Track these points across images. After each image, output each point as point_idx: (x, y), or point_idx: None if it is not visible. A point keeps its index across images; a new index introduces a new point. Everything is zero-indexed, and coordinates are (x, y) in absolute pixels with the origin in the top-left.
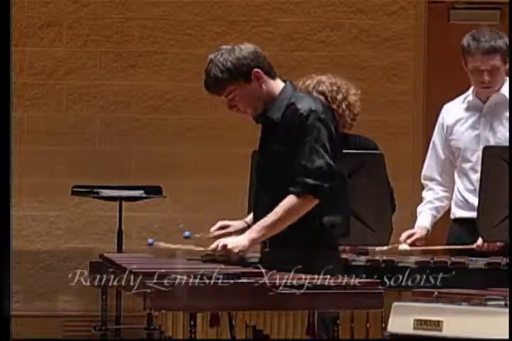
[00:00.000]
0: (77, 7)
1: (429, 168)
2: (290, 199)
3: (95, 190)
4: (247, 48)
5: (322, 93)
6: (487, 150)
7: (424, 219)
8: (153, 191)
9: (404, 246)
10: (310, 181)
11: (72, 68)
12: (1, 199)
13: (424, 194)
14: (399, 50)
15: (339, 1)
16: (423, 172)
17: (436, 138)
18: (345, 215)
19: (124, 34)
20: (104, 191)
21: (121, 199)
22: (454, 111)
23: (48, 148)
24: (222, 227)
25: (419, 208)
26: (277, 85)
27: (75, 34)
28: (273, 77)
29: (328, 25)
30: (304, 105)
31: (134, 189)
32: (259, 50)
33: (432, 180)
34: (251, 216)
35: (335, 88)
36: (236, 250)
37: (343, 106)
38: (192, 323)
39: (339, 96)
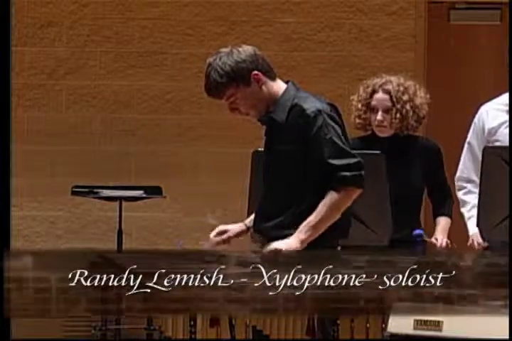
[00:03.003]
0: (77, 7)
1: (467, 169)
2: (331, 196)
3: (95, 190)
4: (245, 51)
5: (387, 92)
6: (487, 150)
7: None
8: (153, 191)
9: None
10: (348, 174)
11: (72, 68)
12: (1, 199)
13: (465, 197)
14: (399, 50)
15: (339, 1)
16: (459, 174)
17: (472, 139)
18: (345, 215)
19: (124, 34)
20: (104, 191)
21: (121, 199)
22: (496, 114)
23: (47, 148)
24: (220, 232)
25: (467, 213)
26: (278, 86)
27: (75, 34)
28: (273, 79)
29: (328, 25)
30: (310, 105)
31: (134, 189)
32: (258, 52)
33: (469, 181)
34: (251, 218)
35: (402, 88)
36: None
37: (408, 106)
38: (192, 323)
39: (405, 97)
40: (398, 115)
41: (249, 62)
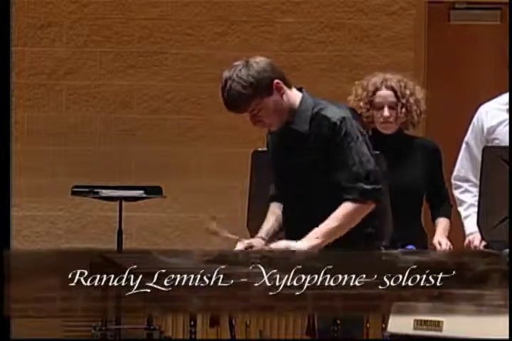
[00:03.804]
0: (77, 7)
1: (464, 168)
2: (347, 206)
3: (95, 190)
4: (261, 61)
5: (391, 88)
6: (487, 150)
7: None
8: (153, 191)
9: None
10: (367, 186)
11: (72, 68)
12: (1, 199)
13: (462, 196)
14: (399, 50)
15: (339, 1)
16: (455, 173)
17: (470, 139)
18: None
19: (124, 34)
20: (104, 191)
21: (121, 199)
22: (495, 113)
23: (47, 148)
24: (247, 248)
25: (464, 212)
26: (295, 95)
27: (75, 34)
28: (290, 87)
29: (328, 25)
30: (334, 114)
31: (134, 189)
32: (273, 62)
33: (466, 181)
34: (265, 229)
35: (402, 84)
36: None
37: (411, 100)
38: (192, 323)
39: (407, 91)
40: (404, 110)
41: (269, 71)
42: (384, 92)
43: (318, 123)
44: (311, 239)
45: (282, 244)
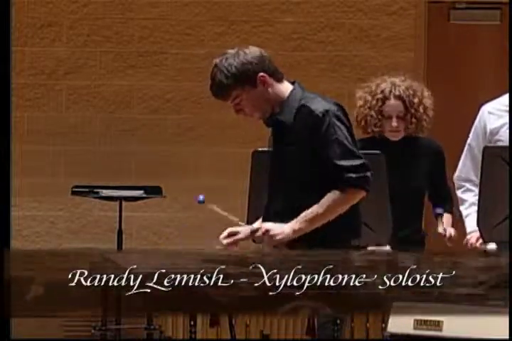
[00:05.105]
0: (77, 7)
1: (465, 169)
2: (333, 195)
3: (95, 190)
4: (251, 52)
5: (399, 97)
6: (487, 150)
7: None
8: (153, 191)
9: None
10: (353, 175)
11: (72, 68)
12: (1, 199)
13: (464, 195)
14: (399, 50)
15: (339, 1)
16: (457, 173)
17: (473, 141)
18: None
19: (124, 34)
20: (104, 191)
21: (121, 199)
22: (498, 114)
23: (47, 148)
24: (230, 235)
25: (465, 211)
26: (285, 88)
27: (75, 34)
28: (280, 80)
29: (328, 25)
30: (318, 106)
31: (134, 189)
32: (265, 54)
33: (468, 181)
34: (259, 221)
35: (411, 92)
36: (278, 237)
37: (421, 109)
38: (192, 323)
39: (416, 100)
40: (413, 120)
41: (255, 63)
42: (393, 102)
43: (302, 115)
44: (295, 223)
45: (267, 225)
